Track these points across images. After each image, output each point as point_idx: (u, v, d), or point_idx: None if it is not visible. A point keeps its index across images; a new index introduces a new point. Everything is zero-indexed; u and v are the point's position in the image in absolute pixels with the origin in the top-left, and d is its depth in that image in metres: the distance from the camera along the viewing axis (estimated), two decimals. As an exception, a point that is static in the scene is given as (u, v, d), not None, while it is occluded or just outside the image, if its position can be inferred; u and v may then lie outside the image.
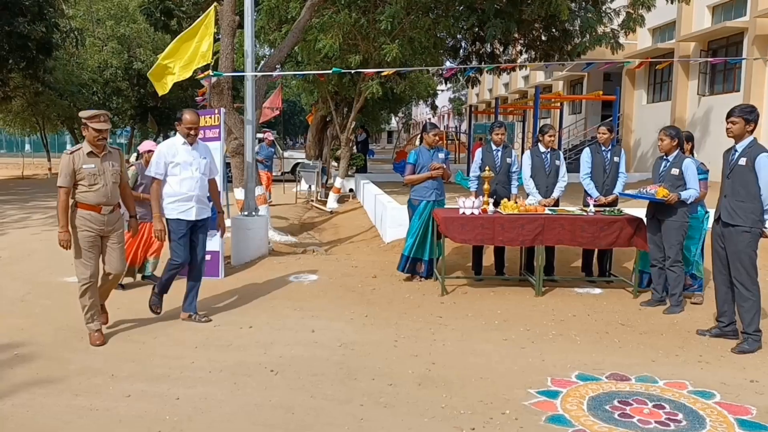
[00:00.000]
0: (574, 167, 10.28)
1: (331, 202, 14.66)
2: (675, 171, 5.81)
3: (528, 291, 6.56)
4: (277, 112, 16.27)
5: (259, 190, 8.89)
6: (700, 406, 3.81)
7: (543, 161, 6.87)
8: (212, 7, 7.38)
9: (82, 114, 4.76)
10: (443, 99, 55.25)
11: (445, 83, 24.04)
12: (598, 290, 6.67)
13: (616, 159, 6.93)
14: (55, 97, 25.18)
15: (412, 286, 6.75)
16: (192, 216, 5.35)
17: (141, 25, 26.95)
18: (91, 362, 4.46)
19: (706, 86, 18.10)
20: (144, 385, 4.02)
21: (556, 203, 6.97)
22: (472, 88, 24.00)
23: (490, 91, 39.75)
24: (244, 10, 7.74)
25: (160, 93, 7.66)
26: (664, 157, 5.98)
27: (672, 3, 13.21)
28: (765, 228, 4.87)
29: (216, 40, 11.51)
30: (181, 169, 5.31)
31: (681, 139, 5.92)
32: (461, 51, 18.10)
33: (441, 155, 6.93)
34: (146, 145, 7.15)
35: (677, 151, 5.89)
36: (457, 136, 33.61)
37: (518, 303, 6.12)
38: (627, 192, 6.55)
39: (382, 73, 11.87)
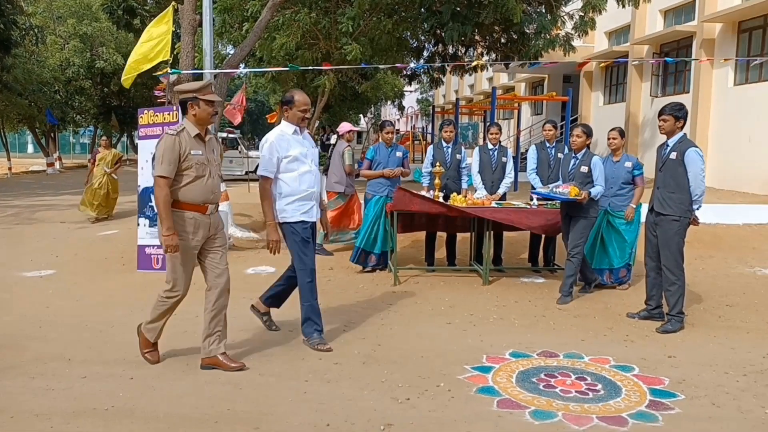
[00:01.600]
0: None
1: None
2: (584, 169, 6.03)
3: (476, 280, 6.88)
4: (241, 112, 16.32)
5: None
6: (619, 378, 4.16)
7: (490, 158, 7.20)
8: (171, 5, 7.55)
9: (188, 86, 4.08)
10: (411, 100, 55.72)
11: (410, 83, 24.47)
12: (541, 279, 7.04)
13: (560, 155, 7.29)
14: (14, 95, 24.80)
15: (366, 277, 7.02)
16: (314, 216, 4.72)
17: (104, 24, 26.73)
18: (48, 349, 4.62)
19: (658, 88, 18.75)
20: (100, 368, 4.21)
21: (503, 198, 7.30)
22: (436, 88, 24.47)
23: (456, 92, 40.26)
24: (203, 9, 7.92)
25: (126, 86, 7.92)
26: (573, 155, 6.19)
27: (624, 6, 13.73)
28: (694, 216, 5.25)
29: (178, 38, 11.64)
30: (298, 164, 4.56)
31: (591, 137, 6.22)
32: (425, 52, 18.48)
33: (399, 153, 7.24)
34: (345, 126, 8.27)
35: (586, 148, 6.14)
36: (423, 136, 34.02)
37: (466, 291, 6.44)
38: (539, 191, 6.57)
39: (341, 70, 12.16)
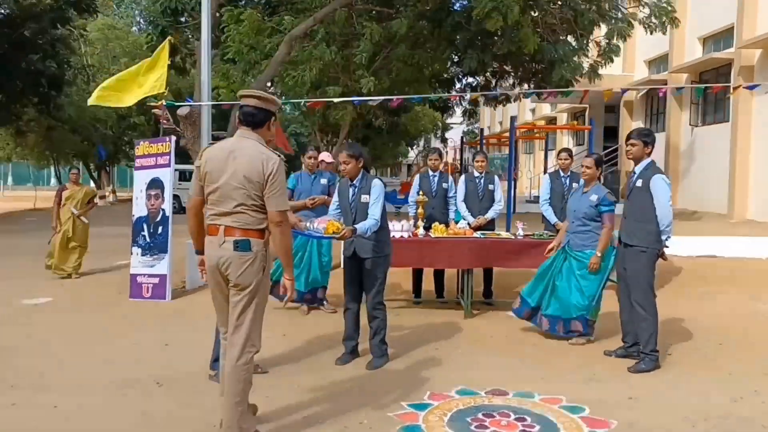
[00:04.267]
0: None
1: (318, 231, 14.86)
2: (365, 198, 4.87)
3: (461, 314, 6.63)
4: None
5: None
6: (563, 420, 3.87)
7: (476, 185, 7.02)
8: (167, 40, 7.79)
9: (275, 99, 3.60)
10: (458, 132, 55.74)
11: (442, 115, 24.47)
12: (530, 313, 6.73)
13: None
14: (68, 131, 26.06)
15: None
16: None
17: (153, 63, 27.89)
18: None
19: (698, 117, 18.08)
20: (34, 396, 4.20)
21: (491, 223, 7.07)
22: (469, 119, 24.40)
23: (501, 123, 39.98)
24: (201, 44, 8.12)
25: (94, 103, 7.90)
26: (350, 183, 4.97)
27: (651, 33, 13.38)
28: (663, 247, 4.92)
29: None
30: None
31: (361, 160, 4.94)
32: (457, 83, 18.45)
33: (323, 180, 6.68)
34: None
35: (362, 172, 4.96)
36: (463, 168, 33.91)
37: (443, 324, 6.21)
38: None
39: (361, 103, 12.22)
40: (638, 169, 4.98)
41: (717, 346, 5.52)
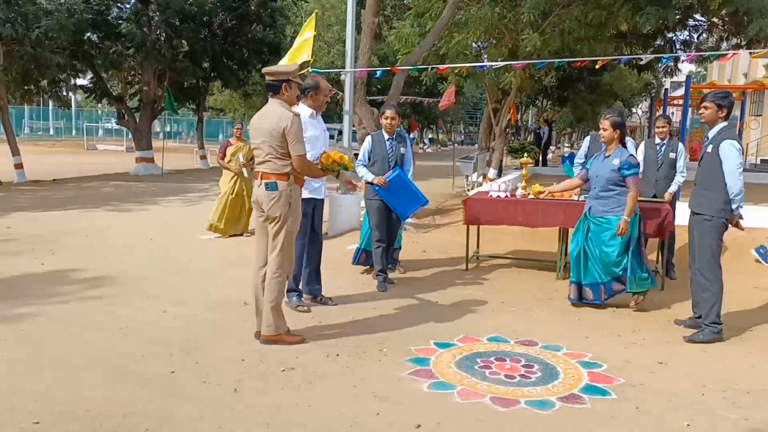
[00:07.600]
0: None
1: (484, 191, 15.18)
2: (402, 150, 6.11)
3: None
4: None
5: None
6: (571, 372, 4.04)
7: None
8: (314, 13, 8.70)
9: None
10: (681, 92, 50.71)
11: (639, 74, 22.73)
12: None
13: (672, 155, 6.65)
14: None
15: (448, 261, 7.29)
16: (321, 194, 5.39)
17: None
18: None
19: None
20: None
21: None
22: (671, 77, 22.37)
23: (729, 81, 35.66)
24: (347, 11, 8.90)
25: None
26: (388, 137, 6.05)
27: None
28: (730, 217, 4.65)
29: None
30: (309, 146, 4.71)
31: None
32: (657, 40, 17.23)
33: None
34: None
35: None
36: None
37: (530, 283, 6.41)
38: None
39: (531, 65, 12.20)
40: (711, 134, 4.73)
41: (815, 328, 5.04)
